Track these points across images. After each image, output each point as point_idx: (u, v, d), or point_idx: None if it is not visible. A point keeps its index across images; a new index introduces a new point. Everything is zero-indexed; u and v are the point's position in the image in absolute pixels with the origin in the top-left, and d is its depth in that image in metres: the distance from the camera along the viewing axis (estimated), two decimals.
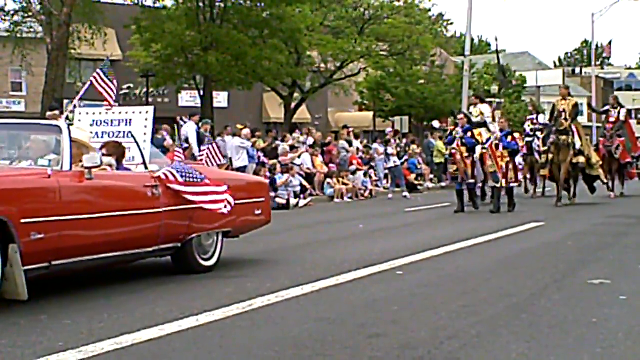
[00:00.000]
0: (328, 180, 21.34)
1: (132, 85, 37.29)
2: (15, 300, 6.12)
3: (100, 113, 8.24)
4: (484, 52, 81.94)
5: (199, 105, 27.05)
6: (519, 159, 19.27)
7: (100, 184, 6.64)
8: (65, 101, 24.43)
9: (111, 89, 8.65)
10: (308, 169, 21.31)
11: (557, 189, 17.34)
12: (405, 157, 25.18)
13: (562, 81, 57.02)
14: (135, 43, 28.21)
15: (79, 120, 8.22)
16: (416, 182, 25.49)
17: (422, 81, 42.43)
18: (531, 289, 6.91)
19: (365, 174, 22.98)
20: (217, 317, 5.66)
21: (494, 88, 45.55)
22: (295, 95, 34.77)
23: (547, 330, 5.26)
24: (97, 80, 8.64)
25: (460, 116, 16.55)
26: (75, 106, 8.63)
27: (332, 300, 6.44)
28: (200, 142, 17.98)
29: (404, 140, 28.15)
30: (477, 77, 46.82)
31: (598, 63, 73.27)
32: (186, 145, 17.90)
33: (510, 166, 15.99)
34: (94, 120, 8.17)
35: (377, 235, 12.17)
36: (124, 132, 7.97)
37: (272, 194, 18.04)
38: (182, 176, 7.32)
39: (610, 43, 77.43)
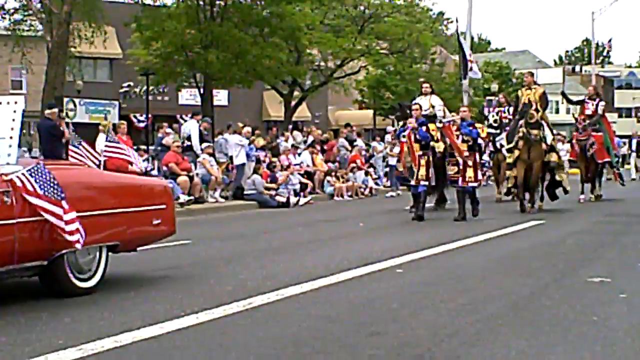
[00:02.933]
0: (328, 178, 21.34)
1: (132, 84, 37.29)
2: (15, 298, 6.13)
3: None
4: (484, 50, 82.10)
5: (199, 103, 27.02)
6: (485, 157, 18.25)
7: None
8: (65, 99, 24.45)
9: None
10: (308, 166, 21.32)
11: (522, 193, 15.11)
12: None
13: (562, 79, 57.04)
14: (136, 41, 28.19)
15: None
16: None
17: (422, 79, 42.37)
18: (531, 287, 6.91)
19: (365, 173, 22.97)
20: (217, 315, 5.66)
21: (494, 86, 45.55)
22: (295, 93, 34.79)
23: (547, 329, 5.26)
24: None
25: (415, 107, 14.13)
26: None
27: (331, 298, 6.43)
28: (201, 140, 18.08)
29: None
30: None
31: (598, 61, 73.29)
32: (188, 143, 17.99)
33: (470, 163, 13.62)
34: None
35: (377, 233, 12.17)
36: None
37: (273, 192, 18.08)
38: (40, 187, 5.94)
39: (610, 41, 77.55)
